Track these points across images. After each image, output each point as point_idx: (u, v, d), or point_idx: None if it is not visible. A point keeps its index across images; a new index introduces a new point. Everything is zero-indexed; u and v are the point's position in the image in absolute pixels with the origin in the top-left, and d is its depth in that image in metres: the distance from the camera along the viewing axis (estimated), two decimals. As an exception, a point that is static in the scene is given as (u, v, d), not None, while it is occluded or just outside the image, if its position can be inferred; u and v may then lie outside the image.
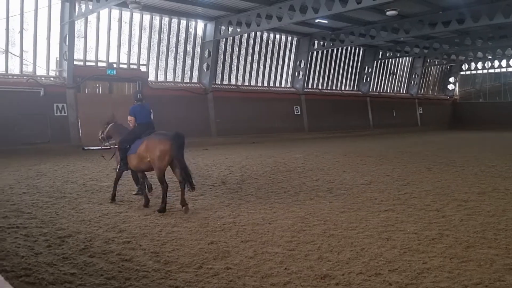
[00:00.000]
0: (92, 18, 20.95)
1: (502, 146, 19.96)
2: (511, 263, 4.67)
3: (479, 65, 42.26)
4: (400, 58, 38.04)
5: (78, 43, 20.75)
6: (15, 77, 19.25)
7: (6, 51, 19.09)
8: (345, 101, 33.55)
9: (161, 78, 24.38)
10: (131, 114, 8.35)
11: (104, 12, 21.08)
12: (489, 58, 38.64)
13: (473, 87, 44.29)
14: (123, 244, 5.52)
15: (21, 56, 19.56)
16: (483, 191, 8.71)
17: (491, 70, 42.18)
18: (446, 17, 23.39)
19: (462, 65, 43.35)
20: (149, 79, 23.13)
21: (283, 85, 30.39)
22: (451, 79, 44.87)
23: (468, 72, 44.36)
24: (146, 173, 8.35)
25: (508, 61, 39.62)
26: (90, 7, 18.13)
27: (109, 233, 6.01)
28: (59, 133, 19.54)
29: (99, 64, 21.78)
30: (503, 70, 41.34)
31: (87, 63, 21.46)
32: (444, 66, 43.28)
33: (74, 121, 20.10)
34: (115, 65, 21.91)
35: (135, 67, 23.05)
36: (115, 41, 22.20)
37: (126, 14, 22.16)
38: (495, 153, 16.23)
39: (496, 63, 41.03)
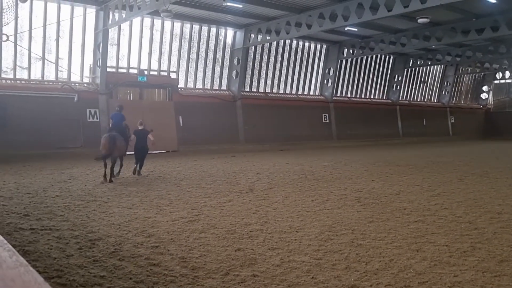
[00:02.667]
0: (125, 26, 21.47)
1: (538, 157, 19.31)
2: (548, 279, 4.50)
3: (514, 73, 41.11)
4: (431, 66, 37.38)
5: (111, 51, 21.30)
6: (51, 83, 19.89)
7: (43, 58, 19.75)
8: (374, 110, 33.20)
9: (190, 85, 24.70)
10: (110, 118, 13.39)
11: (136, 21, 21.56)
12: (525, 67, 37.54)
13: (508, 96, 43.06)
14: (152, 248, 5.59)
15: (56, 63, 20.19)
16: (517, 203, 8.43)
17: (527, 79, 40.98)
18: (479, 25, 22.90)
19: (496, 73, 42.25)
20: (179, 86, 23.47)
21: (311, 93, 30.31)
22: (485, 88, 43.77)
23: (502, 81, 43.19)
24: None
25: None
26: (123, 15, 18.57)
27: (138, 238, 6.09)
28: (91, 138, 19.98)
29: (131, 71, 22.26)
30: (539, 79, 40.12)
31: (119, 70, 21.97)
32: (477, 75, 42.26)
33: (106, 127, 20.52)
34: (146, 72, 22.34)
35: (165, 74, 23.44)
36: (147, 48, 22.67)
37: (157, 22, 22.60)
38: (530, 165, 15.71)
39: (532, 71, 39.87)
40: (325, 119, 29.88)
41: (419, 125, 36.53)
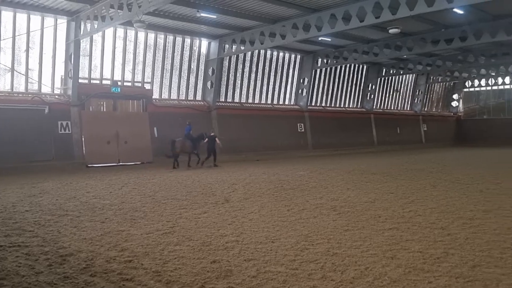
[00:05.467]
0: (97, 36, 21.19)
1: (507, 163, 19.83)
2: (518, 283, 4.58)
3: (483, 82, 42.45)
4: (404, 75, 38.16)
5: (83, 61, 20.97)
6: (21, 95, 19.41)
7: (12, 70, 19.30)
8: (349, 118, 33.58)
9: (165, 95, 24.53)
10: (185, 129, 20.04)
11: (109, 31, 21.32)
12: (492, 75, 38.73)
13: (477, 103, 44.31)
14: (125, 263, 5.48)
15: (26, 74, 19.75)
16: (488, 209, 8.61)
17: (495, 87, 42.31)
18: (448, 35, 23.54)
19: (465, 82, 43.48)
20: (153, 97, 23.26)
21: (287, 102, 30.49)
22: (455, 96, 44.96)
23: (471, 89, 44.45)
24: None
25: (511, 78, 39.76)
26: (96, 26, 18.34)
27: (111, 252, 5.96)
28: (63, 150, 19.60)
29: (104, 82, 21.95)
30: (507, 87, 41.52)
31: (92, 81, 21.63)
32: (447, 83, 43.40)
33: (78, 139, 20.18)
34: (119, 83, 22.08)
35: (139, 85, 23.22)
36: (120, 59, 22.42)
37: (131, 33, 22.41)
38: (500, 170, 16.11)
39: (500, 79, 41.18)
40: (301, 128, 30.06)
41: (393, 133, 37.14)
